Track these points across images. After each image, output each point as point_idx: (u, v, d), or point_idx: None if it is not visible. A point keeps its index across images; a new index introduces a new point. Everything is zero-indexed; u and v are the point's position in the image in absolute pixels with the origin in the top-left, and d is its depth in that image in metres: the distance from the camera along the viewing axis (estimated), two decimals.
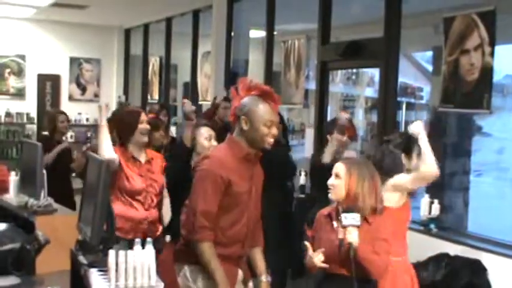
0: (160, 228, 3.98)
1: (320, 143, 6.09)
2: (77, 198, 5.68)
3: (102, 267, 2.39)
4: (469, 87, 4.65)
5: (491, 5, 4.51)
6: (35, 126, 11.40)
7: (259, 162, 3.05)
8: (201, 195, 2.87)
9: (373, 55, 5.68)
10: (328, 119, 6.31)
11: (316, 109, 6.46)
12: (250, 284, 3.08)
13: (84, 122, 11.74)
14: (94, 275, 2.38)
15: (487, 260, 4.36)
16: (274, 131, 2.90)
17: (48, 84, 11.71)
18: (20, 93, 11.53)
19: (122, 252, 2.33)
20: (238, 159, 2.91)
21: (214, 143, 4.04)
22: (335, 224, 3.04)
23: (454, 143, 6.49)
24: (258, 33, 8.65)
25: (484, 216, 6.53)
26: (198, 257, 2.84)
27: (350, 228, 2.89)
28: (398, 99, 6.09)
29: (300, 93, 6.91)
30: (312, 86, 6.92)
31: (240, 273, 3.01)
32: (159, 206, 3.99)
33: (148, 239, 2.44)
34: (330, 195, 3.09)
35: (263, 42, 7.75)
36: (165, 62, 10.37)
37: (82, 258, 2.53)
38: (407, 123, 8.82)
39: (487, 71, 4.52)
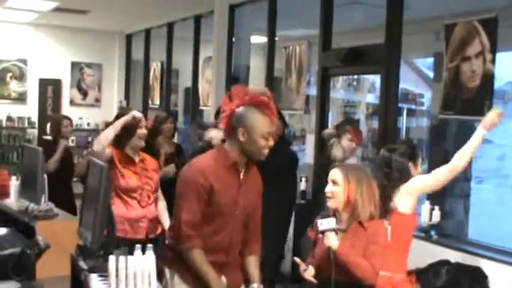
0: (160, 227, 4.00)
1: (321, 149, 6.10)
2: (78, 203, 5.71)
3: (103, 272, 2.39)
4: (470, 94, 4.65)
5: (492, 12, 4.52)
6: (36, 131, 11.39)
7: (254, 172, 3.03)
8: (184, 204, 2.86)
9: (374, 61, 5.68)
10: (329, 125, 6.31)
11: (317, 115, 6.46)
12: None
13: (85, 127, 11.74)
14: (94, 280, 2.38)
15: (488, 267, 4.35)
16: (271, 142, 2.88)
17: (50, 88, 11.71)
18: (21, 98, 11.53)
19: (122, 258, 2.33)
20: (225, 167, 2.89)
21: None
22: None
23: (454, 150, 6.51)
24: (259, 39, 8.67)
25: (485, 223, 6.52)
26: (188, 263, 2.85)
27: (327, 233, 2.93)
28: (399, 105, 6.08)
29: (301, 99, 6.91)
30: (313, 92, 6.92)
31: (224, 280, 2.97)
32: (156, 204, 4.02)
33: (149, 245, 2.44)
34: (328, 203, 3.08)
35: (264, 48, 7.76)
36: (167, 67, 10.37)
37: (82, 263, 2.52)
38: (408, 130, 8.85)
39: (488, 78, 4.52)
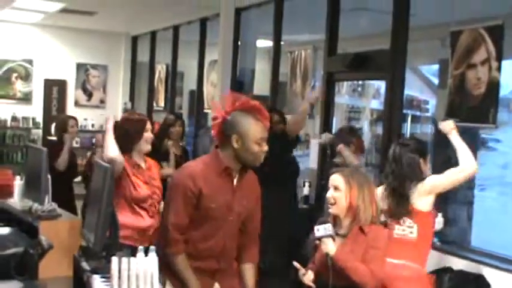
0: None
1: (324, 154, 6.10)
2: (78, 204, 5.71)
3: (105, 273, 2.39)
4: (475, 101, 4.64)
5: (498, 20, 4.51)
6: (40, 131, 11.42)
7: (251, 177, 3.01)
8: (172, 207, 2.86)
9: (380, 67, 5.68)
10: (333, 130, 6.31)
11: (322, 120, 6.45)
12: None
13: (90, 128, 11.77)
14: (97, 281, 2.38)
15: (490, 275, 4.34)
16: (265, 148, 2.87)
17: (55, 89, 11.74)
18: (26, 98, 11.56)
19: (124, 259, 2.33)
20: (216, 173, 2.87)
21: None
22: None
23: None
24: (265, 43, 8.67)
25: (488, 230, 6.50)
26: (172, 267, 2.84)
27: (324, 239, 2.91)
28: (404, 111, 6.07)
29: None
30: None
31: (217, 286, 2.95)
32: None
33: (152, 247, 2.44)
34: (330, 210, 3.06)
35: (270, 52, 7.75)
36: (172, 70, 10.38)
37: (85, 264, 2.53)
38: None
39: (493, 86, 4.51)
